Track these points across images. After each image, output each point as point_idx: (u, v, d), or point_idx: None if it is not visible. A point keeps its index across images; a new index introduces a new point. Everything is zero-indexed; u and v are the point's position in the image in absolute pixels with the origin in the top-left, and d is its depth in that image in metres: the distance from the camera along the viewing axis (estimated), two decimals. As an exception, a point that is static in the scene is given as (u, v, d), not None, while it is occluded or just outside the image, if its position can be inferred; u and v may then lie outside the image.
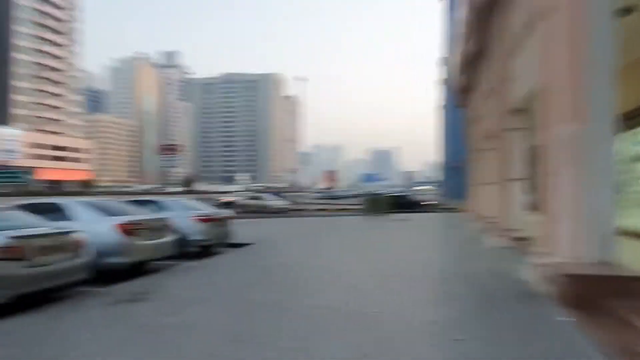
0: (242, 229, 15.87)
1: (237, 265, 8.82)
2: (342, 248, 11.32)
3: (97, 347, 4.03)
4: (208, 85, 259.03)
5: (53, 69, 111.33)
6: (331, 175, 23.73)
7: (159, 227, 8.13)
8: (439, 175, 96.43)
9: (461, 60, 19.27)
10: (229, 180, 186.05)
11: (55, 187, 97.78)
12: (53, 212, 7.49)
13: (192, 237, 10.09)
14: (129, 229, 7.38)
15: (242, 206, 33.38)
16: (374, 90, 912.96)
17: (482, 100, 15.99)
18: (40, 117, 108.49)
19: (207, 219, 10.36)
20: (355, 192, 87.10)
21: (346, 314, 4.95)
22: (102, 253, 7.26)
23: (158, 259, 8.27)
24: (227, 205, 32.72)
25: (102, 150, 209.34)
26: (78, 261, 6.03)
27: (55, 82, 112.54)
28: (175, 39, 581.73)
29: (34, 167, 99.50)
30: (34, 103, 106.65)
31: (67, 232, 6.11)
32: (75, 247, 6.07)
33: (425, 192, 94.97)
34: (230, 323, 4.72)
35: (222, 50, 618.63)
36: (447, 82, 56.59)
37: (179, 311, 5.30)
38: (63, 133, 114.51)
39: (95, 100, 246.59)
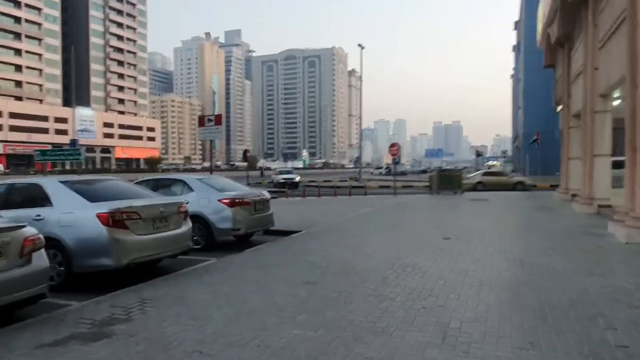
0: (300, 210, 13.94)
1: (272, 265, 6.60)
2: (420, 238, 8.80)
3: None
4: (270, 63, 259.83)
5: (123, 50, 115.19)
6: (395, 148, 21.52)
7: (166, 215, 6.09)
8: (512, 150, 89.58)
9: (554, 5, 15.56)
10: (290, 157, 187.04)
11: (126, 165, 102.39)
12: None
13: (220, 225, 8.08)
14: (118, 220, 5.40)
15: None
16: (439, 61, 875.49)
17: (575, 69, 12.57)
18: (113, 97, 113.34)
19: (239, 202, 8.26)
20: (423, 168, 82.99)
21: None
22: (83, 254, 5.38)
23: (169, 256, 6.31)
24: (292, 185, 30.39)
25: (171, 129, 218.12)
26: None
27: (127, 64, 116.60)
28: (237, 18, 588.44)
29: (108, 146, 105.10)
30: (107, 84, 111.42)
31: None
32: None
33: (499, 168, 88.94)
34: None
35: (283, 26, 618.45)
36: (527, 43, 50.70)
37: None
38: (135, 114, 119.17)
39: (162, 81, 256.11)
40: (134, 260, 5.63)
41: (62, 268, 5.50)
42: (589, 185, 12.29)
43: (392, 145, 21.45)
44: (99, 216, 5.37)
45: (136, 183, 8.66)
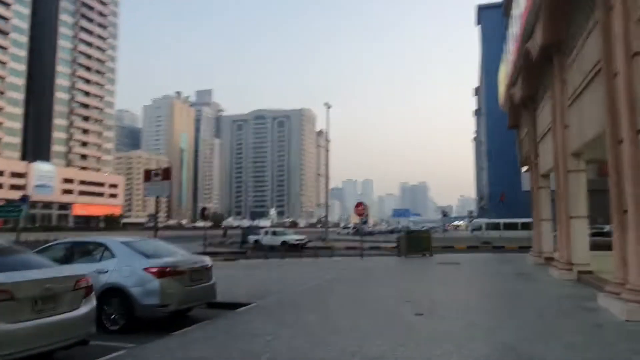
0: (257, 276, 12.32)
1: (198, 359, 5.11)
2: (388, 314, 7.48)
3: None
4: (240, 122, 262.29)
5: (89, 106, 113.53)
6: (361, 208, 20.45)
7: (55, 294, 4.61)
8: (476, 210, 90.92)
9: (517, 65, 15.55)
10: (260, 215, 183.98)
11: (85, 222, 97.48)
12: None
13: (144, 300, 6.55)
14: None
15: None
16: (405, 125, 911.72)
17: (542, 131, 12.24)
18: (75, 153, 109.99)
19: (171, 271, 6.77)
20: (390, 228, 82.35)
21: None
22: None
23: (57, 349, 4.74)
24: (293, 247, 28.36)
25: (136, 186, 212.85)
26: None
27: (92, 120, 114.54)
28: (207, 78, 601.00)
29: (68, 203, 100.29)
30: (71, 139, 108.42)
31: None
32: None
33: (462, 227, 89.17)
34: None
35: (254, 87, 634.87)
36: (483, 111, 52.49)
37: None
38: (98, 169, 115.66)
39: (129, 137, 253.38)
40: None
41: None
42: (567, 250, 11.43)
43: (358, 204, 20.43)
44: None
45: (43, 248, 7.13)
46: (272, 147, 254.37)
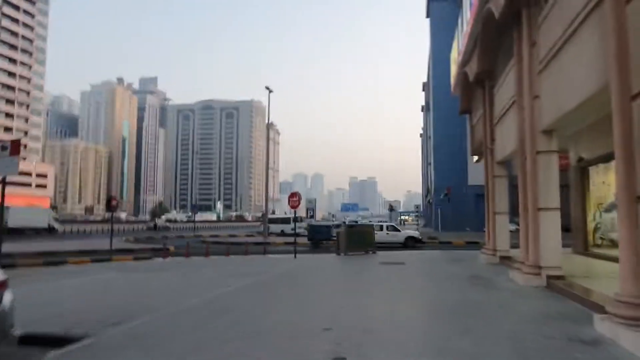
0: (145, 283, 8.99)
1: None
2: (293, 356, 4.82)
3: None
4: (186, 112, 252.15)
5: (15, 88, 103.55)
6: (295, 199, 17.94)
7: None
8: (424, 205, 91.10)
9: (474, 34, 13.43)
10: (207, 209, 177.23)
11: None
12: None
13: None
14: None
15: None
16: (357, 121, 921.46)
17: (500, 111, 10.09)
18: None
19: None
20: (337, 222, 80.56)
21: None
22: None
23: None
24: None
25: (73, 177, 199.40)
26: None
27: (18, 104, 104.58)
28: (152, 66, 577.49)
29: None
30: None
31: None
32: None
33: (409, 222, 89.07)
34: None
35: (202, 77, 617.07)
36: (432, 99, 51.54)
37: None
38: (24, 158, 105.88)
39: (67, 125, 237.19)
40: None
41: None
42: (534, 250, 9.27)
43: (292, 195, 17.64)
44: None
45: None
46: (220, 139, 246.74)
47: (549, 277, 8.93)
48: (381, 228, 25.90)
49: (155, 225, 42.01)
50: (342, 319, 6.26)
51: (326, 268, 14.01)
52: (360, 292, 9.01)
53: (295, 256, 17.70)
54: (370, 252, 18.87)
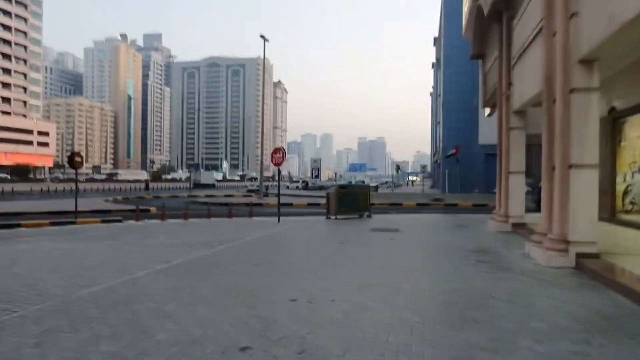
0: (83, 257, 7.06)
1: None
2: None
3: None
4: (192, 70, 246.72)
5: (11, 43, 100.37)
6: (279, 155, 16.62)
7: None
8: (431, 166, 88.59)
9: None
10: (214, 168, 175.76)
11: (12, 173, 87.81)
12: None
13: None
14: None
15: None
16: (366, 80, 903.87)
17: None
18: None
19: None
20: (343, 182, 78.82)
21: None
22: None
23: None
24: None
25: (78, 135, 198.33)
26: None
27: (15, 58, 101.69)
28: (157, 22, 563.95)
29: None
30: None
31: None
32: None
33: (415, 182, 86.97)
34: None
35: (207, 33, 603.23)
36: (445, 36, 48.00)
37: None
38: (24, 115, 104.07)
39: (72, 83, 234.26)
40: None
41: None
42: (561, 219, 7.07)
43: (276, 150, 15.38)
44: None
45: None
46: (227, 97, 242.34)
47: (578, 255, 6.79)
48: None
49: (147, 185, 39.99)
50: (308, 313, 4.19)
51: (309, 234, 11.98)
52: (336, 272, 6.91)
53: (279, 219, 15.69)
54: (365, 216, 16.85)
